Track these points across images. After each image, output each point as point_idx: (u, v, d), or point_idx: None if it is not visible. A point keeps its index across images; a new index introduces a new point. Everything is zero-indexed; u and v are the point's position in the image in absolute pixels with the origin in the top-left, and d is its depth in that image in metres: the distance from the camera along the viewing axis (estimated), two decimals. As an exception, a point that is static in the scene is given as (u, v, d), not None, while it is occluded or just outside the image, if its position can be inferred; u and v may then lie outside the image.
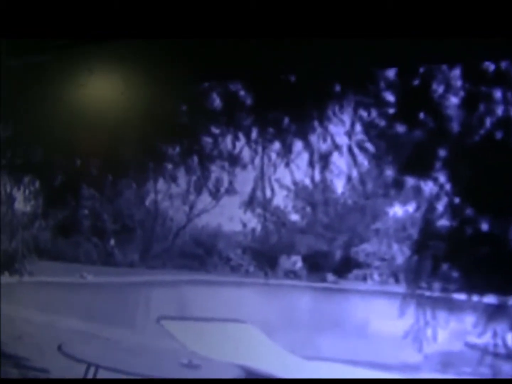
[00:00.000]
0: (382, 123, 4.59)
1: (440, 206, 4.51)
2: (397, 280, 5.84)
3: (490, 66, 4.00)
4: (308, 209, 6.27)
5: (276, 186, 5.27)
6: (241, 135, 5.09)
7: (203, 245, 6.97)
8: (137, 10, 3.66)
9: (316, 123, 4.81)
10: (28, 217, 6.16)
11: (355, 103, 4.62)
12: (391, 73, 4.35)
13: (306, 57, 3.96)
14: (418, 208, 4.82)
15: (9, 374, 5.16)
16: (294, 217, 6.43)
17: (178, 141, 5.30)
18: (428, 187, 4.55)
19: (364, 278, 6.38)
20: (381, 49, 3.73)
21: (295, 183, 5.32)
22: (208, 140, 5.24)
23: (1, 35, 4.04)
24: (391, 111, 4.51)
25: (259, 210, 5.53)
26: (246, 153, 5.15)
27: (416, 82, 4.32)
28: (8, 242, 6.03)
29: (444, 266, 4.53)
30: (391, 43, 3.60)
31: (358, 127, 4.70)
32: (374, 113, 4.60)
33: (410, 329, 4.64)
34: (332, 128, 4.83)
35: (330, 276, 6.55)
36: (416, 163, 4.49)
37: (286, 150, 4.99)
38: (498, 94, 4.12)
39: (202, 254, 6.95)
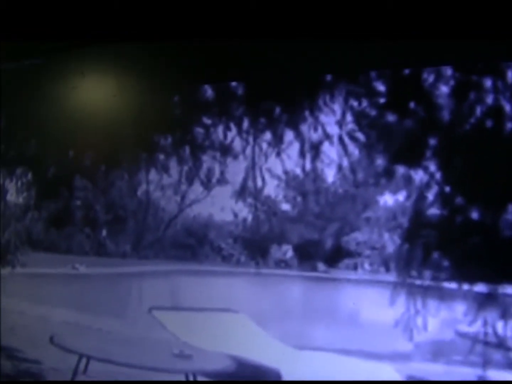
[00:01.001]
0: (373, 112, 4.60)
1: (431, 195, 4.53)
2: (387, 269, 5.84)
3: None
4: (299, 198, 6.25)
5: (267, 175, 5.28)
6: (232, 126, 5.10)
7: (195, 235, 6.94)
8: (130, 13, 3.65)
9: (307, 113, 4.82)
10: (21, 208, 6.15)
11: (346, 92, 4.63)
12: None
13: (297, 48, 3.96)
14: (408, 197, 4.83)
15: (2, 366, 5.17)
16: (285, 206, 6.40)
17: (170, 131, 5.31)
18: (419, 176, 4.57)
19: (355, 267, 6.38)
20: (374, 49, 3.74)
21: (286, 172, 5.33)
22: (200, 130, 5.25)
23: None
24: (382, 100, 4.53)
25: (250, 200, 5.53)
26: (237, 143, 5.16)
27: (406, 72, 4.33)
28: (0, 233, 6.02)
29: (435, 255, 4.56)
30: (384, 43, 3.60)
31: (349, 117, 4.71)
32: (365, 102, 4.61)
33: (400, 318, 4.66)
34: (323, 117, 4.84)
35: (321, 266, 6.55)
36: (407, 152, 4.51)
37: (277, 140, 5.00)
38: (488, 83, 4.14)
39: (194, 244, 6.92)
